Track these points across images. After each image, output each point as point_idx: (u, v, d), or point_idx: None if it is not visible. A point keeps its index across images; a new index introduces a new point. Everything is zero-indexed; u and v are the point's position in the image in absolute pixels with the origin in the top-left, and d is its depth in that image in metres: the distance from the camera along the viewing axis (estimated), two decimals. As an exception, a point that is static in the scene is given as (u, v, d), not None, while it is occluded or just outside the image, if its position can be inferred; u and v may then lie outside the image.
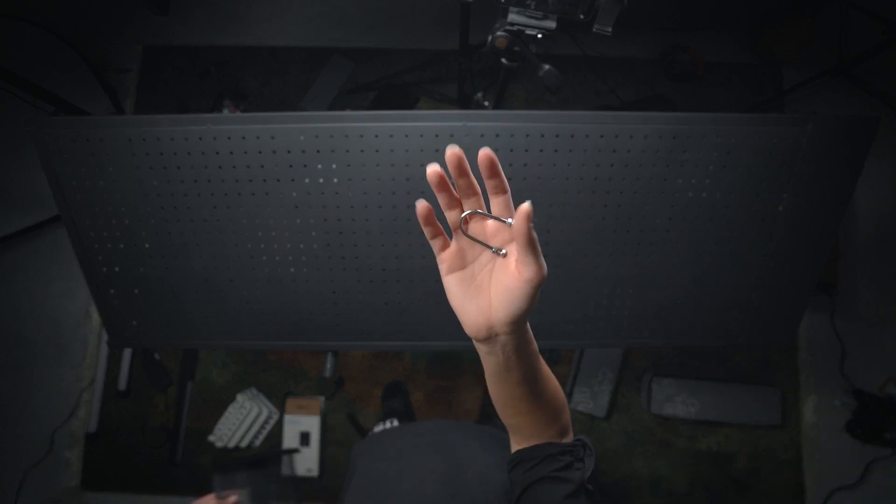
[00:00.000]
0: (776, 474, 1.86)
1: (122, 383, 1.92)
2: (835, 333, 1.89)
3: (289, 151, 0.91)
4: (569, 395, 1.85)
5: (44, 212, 1.95)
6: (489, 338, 0.42)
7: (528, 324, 0.43)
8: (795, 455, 1.86)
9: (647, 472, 1.85)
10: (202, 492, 2.06)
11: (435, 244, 0.42)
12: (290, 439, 1.84)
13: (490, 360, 0.45)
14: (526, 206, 0.35)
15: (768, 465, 1.86)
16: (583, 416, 1.87)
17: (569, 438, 0.54)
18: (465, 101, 1.82)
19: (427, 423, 1.04)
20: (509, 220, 0.39)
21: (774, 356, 1.90)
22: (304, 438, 1.84)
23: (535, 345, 0.46)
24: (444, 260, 0.42)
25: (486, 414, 1.86)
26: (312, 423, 1.84)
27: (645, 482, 1.85)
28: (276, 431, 1.88)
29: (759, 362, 1.90)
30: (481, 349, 0.44)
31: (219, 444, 1.85)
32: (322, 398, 1.88)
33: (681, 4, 2.00)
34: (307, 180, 0.93)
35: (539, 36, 0.95)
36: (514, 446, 0.55)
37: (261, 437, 1.89)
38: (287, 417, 1.85)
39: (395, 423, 1.14)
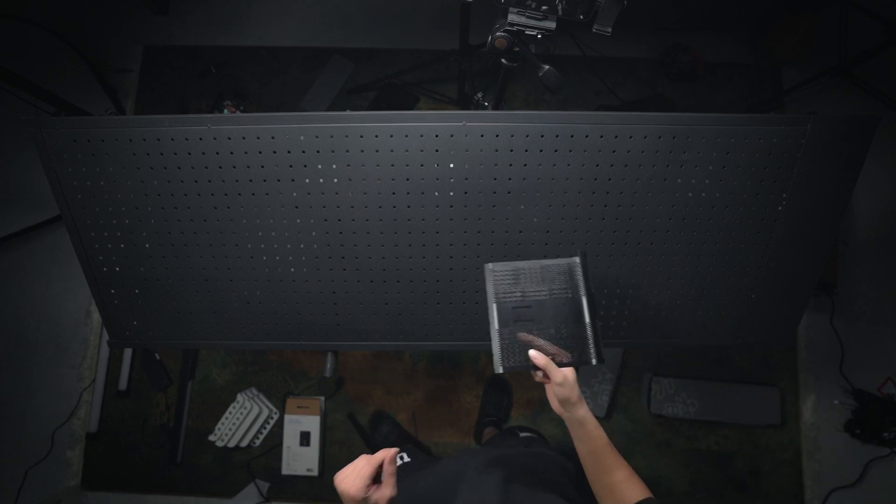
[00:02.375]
0: (775, 474, 1.86)
1: (123, 383, 1.92)
2: (834, 333, 1.89)
3: (289, 151, 0.91)
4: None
5: (44, 212, 1.95)
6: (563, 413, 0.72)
7: (581, 412, 0.71)
8: (795, 454, 1.86)
9: (647, 472, 1.85)
10: (202, 492, 2.05)
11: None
12: (290, 439, 1.84)
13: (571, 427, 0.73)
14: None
15: (768, 464, 1.86)
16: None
17: None
18: (465, 101, 1.82)
19: (447, 459, 0.99)
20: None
21: (774, 356, 1.90)
22: (305, 438, 1.84)
23: (596, 432, 0.72)
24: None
25: (486, 412, 1.86)
26: (313, 423, 1.84)
27: (644, 482, 1.85)
28: (277, 431, 1.88)
29: (758, 362, 1.90)
30: (566, 419, 0.73)
31: (219, 444, 1.85)
32: (322, 398, 1.88)
33: (681, 4, 2.01)
34: (307, 180, 0.93)
35: (539, 36, 0.95)
36: None
37: (261, 437, 1.89)
38: (287, 417, 1.85)
39: (406, 458, 1.10)
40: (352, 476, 0.62)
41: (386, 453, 0.66)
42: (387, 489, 0.64)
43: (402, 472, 0.95)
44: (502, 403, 1.87)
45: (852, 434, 1.85)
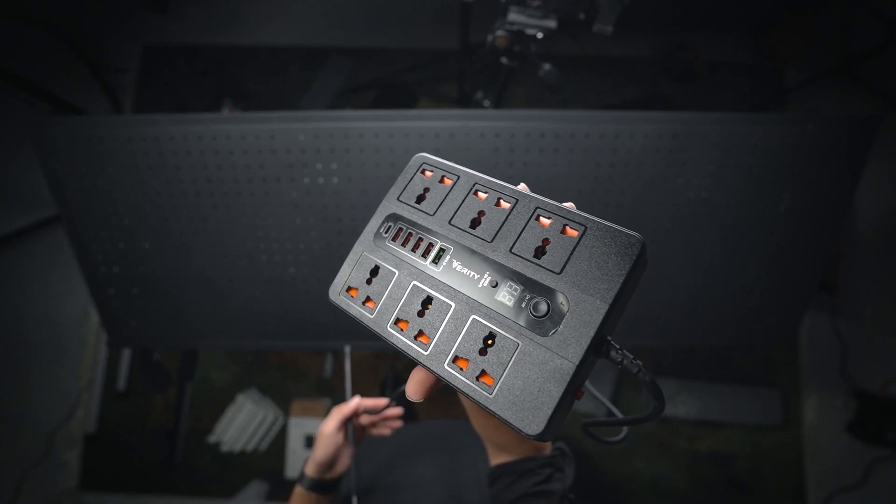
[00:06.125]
0: (777, 475, 1.85)
1: (122, 384, 1.92)
2: (836, 334, 1.88)
3: (289, 151, 0.90)
4: (569, 396, 1.85)
5: (43, 212, 1.95)
6: None
7: None
8: (796, 456, 1.86)
9: (648, 473, 1.85)
10: (201, 492, 2.05)
11: None
12: (294, 442, 1.84)
13: None
14: None
15: (769, 465, 1.86)
16: (583, 417, 1.87)
17: (547, 449, 0.54)
18: (465, 101, 1.81)
19: (424, 424, 1.03)
20: None
21: (775, 356, 1.89)
22: (310, 441, 1.83)
23: None
24: None
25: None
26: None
27: (645, 483, 1.84)
28: (282, 434, 1.88)
29: (759, 363, 1.89)
30: None
31: (224, 450, 1.85)
32: (328, 400, 1.88)
33: (682, 4, 2.00)
34: (307, 180, 0.92)
35: (539, 35, 0.95)
36: (493, 460, 0.55)
37: (266, 441, 1.88)
38: (292, 420, 1.84)
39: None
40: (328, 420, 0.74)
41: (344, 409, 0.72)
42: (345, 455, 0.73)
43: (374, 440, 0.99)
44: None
45: (854, 435, 1.85)
